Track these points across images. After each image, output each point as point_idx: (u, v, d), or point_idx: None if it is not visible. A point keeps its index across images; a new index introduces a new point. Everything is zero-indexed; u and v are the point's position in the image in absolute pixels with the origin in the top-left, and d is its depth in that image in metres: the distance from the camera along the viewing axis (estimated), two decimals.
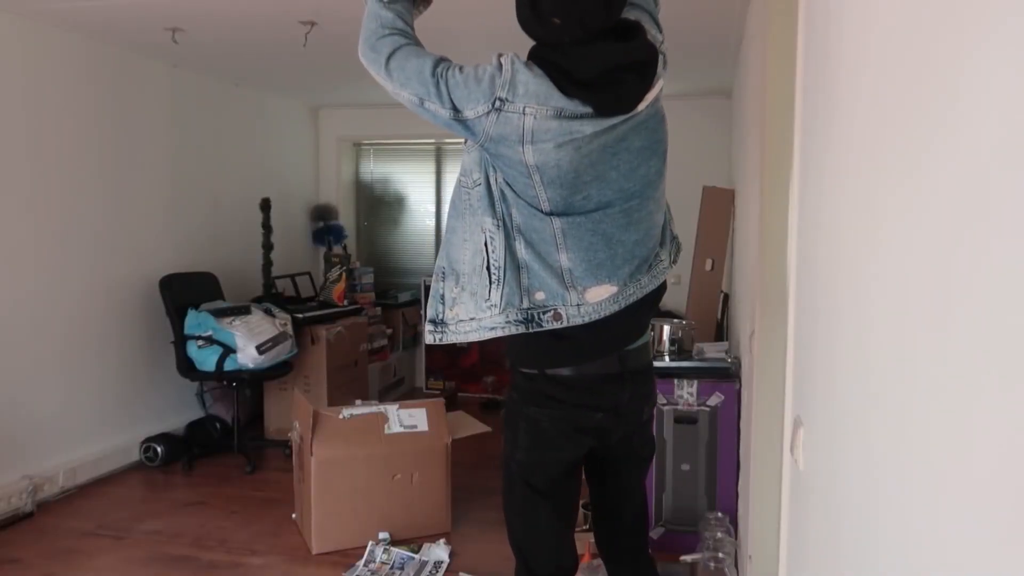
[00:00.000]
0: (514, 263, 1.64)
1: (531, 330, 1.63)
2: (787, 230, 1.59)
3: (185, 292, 4.52)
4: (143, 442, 4.38)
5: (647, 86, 1.55)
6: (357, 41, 1.68)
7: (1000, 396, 0.51)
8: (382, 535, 3.25)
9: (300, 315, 4.81)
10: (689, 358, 3.34)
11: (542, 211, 1.62)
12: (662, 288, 1.74)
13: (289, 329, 4.56)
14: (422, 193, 6.54)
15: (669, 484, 3.18)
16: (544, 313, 1.63)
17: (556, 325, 1.62)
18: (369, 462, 3.28)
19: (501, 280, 1.63)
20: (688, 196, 4.78)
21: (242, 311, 4.45)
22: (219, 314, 4.36)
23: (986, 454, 0.53)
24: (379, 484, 3.29)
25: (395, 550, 3.15)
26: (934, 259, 0.65)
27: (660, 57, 1.57)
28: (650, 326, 1.83)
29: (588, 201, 1.59)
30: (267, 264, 5.07)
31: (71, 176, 4.03)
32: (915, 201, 0.71)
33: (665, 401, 3.15)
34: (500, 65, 1.55)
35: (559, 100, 1.52)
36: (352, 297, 5.62)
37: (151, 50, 4.36)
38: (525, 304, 1.63)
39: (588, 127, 1.53)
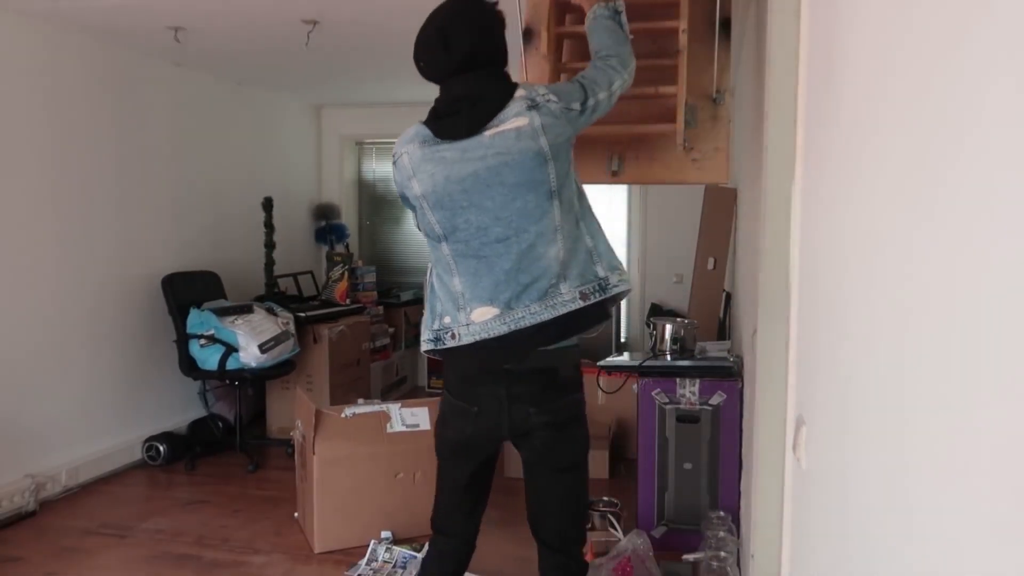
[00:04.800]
0: (433, 292, 1.98)
1: (438, 347, 1.93)
2: (790, 229, 1.58)
3: (187, 291, 4.52)
4: (145, 441, 4.39)
5: (485, 117, 1.81)
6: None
7: (1004, 394, 0.51)
8: (384, 534, 3.25)
9: (302, 314, 4.81)
10: (691, 357, 3.34)
11: (436, 236, 1.92)
12: (565, 319, 1.84)
13: (291, 328, 4.56)
14: None
15: (671, 483, 3.18)
16: (446, 334, 1.91)
17: (452, 344, 1.90)
18: (371, 461, 3.28)
19: (426, 306, 2.00)
20: (690, 195, 4.77)
21: (244, 310, 4.45)
22: (221, 313, 4.36)
23: (989, 451, 0.53)
24: (381, 483, 3.29)
25: (397, 549, 3.15)
26: (939, 256, 0.65)
27: (525, 101, 1.80)
28: (553, 342, 1.90)
29: (469, 225, 1.85)
30: (269, 263, 5.08)
31: (74, 176, 4.04)
32: (921, 196, 0.71)
33: (668, 400, 3.15)
34: None
35: (421, 131, 1.90)
36: (354, 296, 5.63)
37: (153, 49, 4.36)
38: (436, 326, 1.94)
39: (446, 150, 1.85)
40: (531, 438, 1.93)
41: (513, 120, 1.80)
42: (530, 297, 1.84)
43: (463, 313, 1.89)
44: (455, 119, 1.86)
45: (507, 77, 1.91)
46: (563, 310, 1.84)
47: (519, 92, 1.84)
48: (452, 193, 1.85)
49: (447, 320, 1.92)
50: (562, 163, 1.84)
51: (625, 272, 1.94)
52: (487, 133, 1.82)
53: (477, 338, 1.87)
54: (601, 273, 1.88)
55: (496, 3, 1.95)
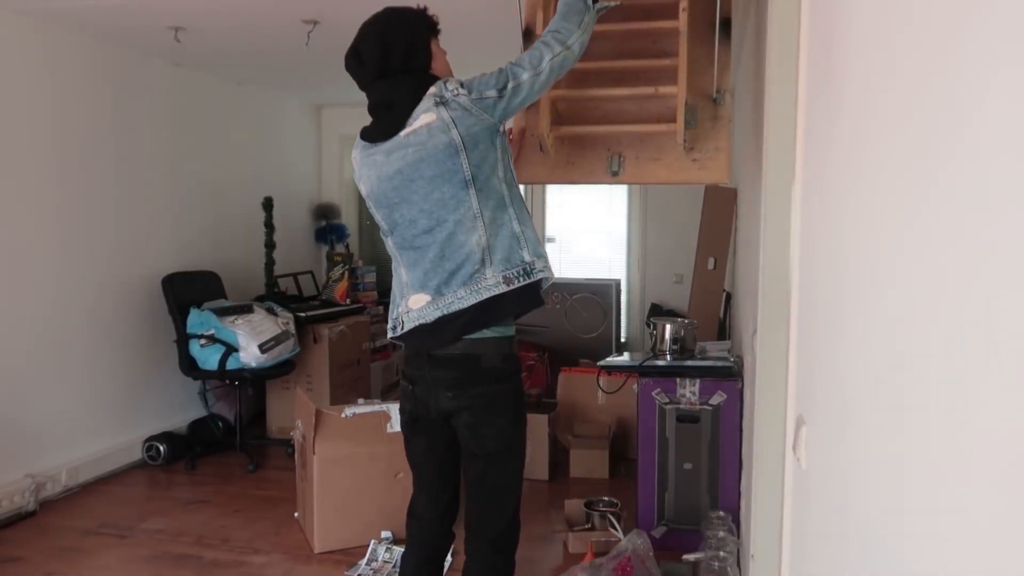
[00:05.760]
0: (393, 283, 2.13)
1: (395, 334, 2.08)
2: (790, 229, 1.58)
3: (187, 291, 4.52)
4: (146, 441, 4.39)
5: (400, 119, 1.95)
6: None
7: (1004, 393, 0.50)
8: (384, 534, 3.25)
9: (302, 314, 4.81)
10: (691, 357, 3.34)
11: (384, 232, 2.07)
12: (488, 304, 1.93)
13: (291, 328, 4.56)
14: None
15: (672, 483, 3.18)
16: (398, 321, 2.06)
17: (401, 331, 2.04)
18: (371, 461, 3.28)
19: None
20: (690, 195, 4.76)
21: (244, 310, 4.45)
22: (221, 313, 4.36)
23: (988, 451, 0.53)
24: (381, 483, 3.29)
25: (397, 549, 3.14)
26: (939, 255, 0.65)
27: (433, 99, 1.91)
28: (477, 327, 1.96)
29: (404, 219, 2.00)
30: (269, 263, 5.07)
31: (74, 176, 4.04)
32: (921, 196, 0.71)
33: (668, 400, 3.15)
34: None
35: (359, 138, 2.07)
36: (354, 296, 5.62)
37: (153, 49, 4.36)
38: (393, 314, 2.09)
39: (376, 153, 2.00)
40: (458, 421, 2.03)
41: (423, 117, 1.92)
42: (457, 283, 1.95)
43: (404, 301, 2.04)
44: (376, 124, 2.03)
45: (423, 78, 1.99)
46: (487, 294, 1.93)
47: (431, 90, 1.94)
48: (386, 191, 2.00)
49: (400, 308, 2.06)
50: (480, 152, 1.93)
51: (548, 262, 2.03)
52: (403, 133, 1.95)
53: (416, 323, 1.99)
54: (527, 258, 1.96)
55: (423, 9, 2.06)
